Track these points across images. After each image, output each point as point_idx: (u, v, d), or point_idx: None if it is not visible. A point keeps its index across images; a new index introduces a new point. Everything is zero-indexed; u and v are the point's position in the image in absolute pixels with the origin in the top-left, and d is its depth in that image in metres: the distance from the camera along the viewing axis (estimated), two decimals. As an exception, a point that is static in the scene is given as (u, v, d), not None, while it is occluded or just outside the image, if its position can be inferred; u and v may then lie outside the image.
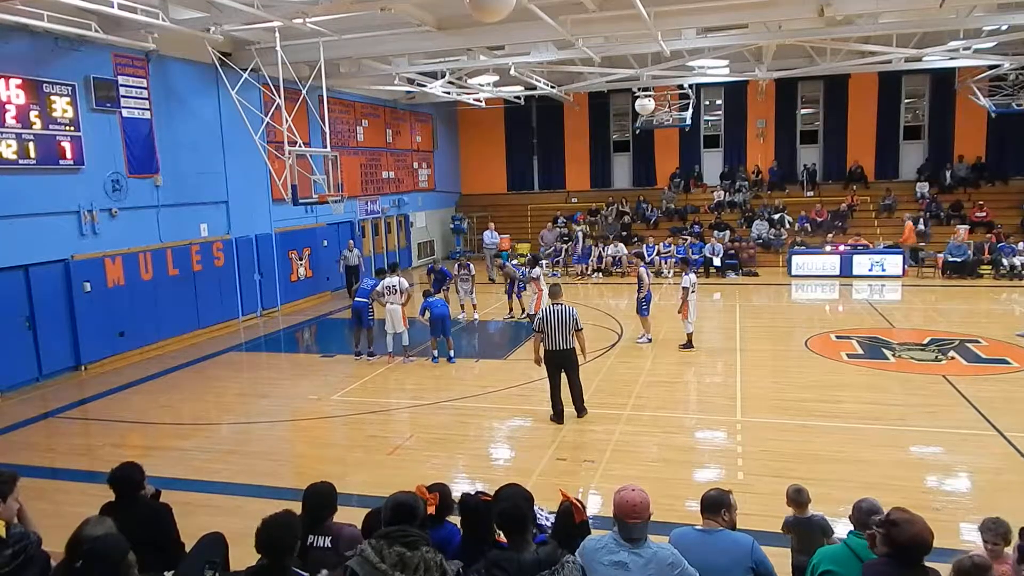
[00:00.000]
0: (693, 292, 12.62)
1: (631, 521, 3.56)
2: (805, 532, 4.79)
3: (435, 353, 12.57)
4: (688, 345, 12.70)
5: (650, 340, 13.28)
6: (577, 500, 4.04)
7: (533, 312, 14.05)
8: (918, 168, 24.87)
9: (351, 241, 19.80)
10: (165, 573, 4.12)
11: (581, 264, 22.67)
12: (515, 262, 22.14)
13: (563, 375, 9.19)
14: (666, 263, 21.68)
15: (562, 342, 9.01)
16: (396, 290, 12.57)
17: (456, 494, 4.19)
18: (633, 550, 3.52)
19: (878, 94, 24.66)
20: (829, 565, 3.78)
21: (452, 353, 12.50)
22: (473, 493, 4.12)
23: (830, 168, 25.91)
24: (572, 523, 3.93)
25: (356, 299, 12.90)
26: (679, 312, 12.71)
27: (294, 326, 16.56)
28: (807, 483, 5.17)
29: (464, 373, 12.03)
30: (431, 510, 3.97)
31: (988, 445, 8.15)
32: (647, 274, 13.36)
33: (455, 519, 4.16)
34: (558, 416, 9.21)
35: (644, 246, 22.46)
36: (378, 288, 12.69)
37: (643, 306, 13.19)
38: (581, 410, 9.30)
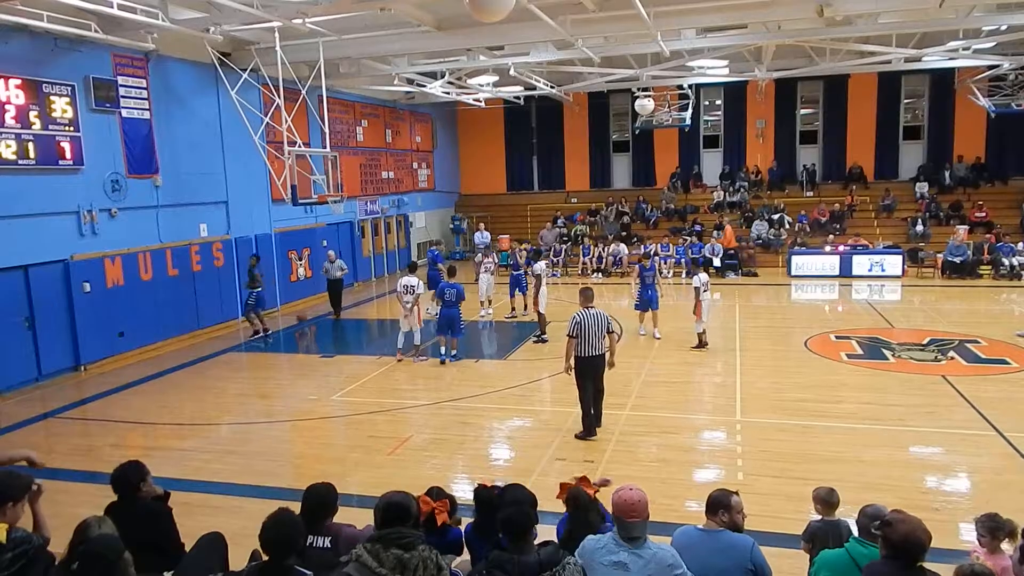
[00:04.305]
0: (706, 291, 12.65)
1: (630, 520, 3.56)
2: (835, 537, 4.44)
3: (443, 352, 12.47)
4: (700, 345, 12.66)
5: (644, 334, 13.72)
6: (576, 479, 4.05)
7: (541, 310, 14.05)
8: (918, 168, 24.88)
9: (331, 252, 17.27)
10: (164, 574, 4.12)
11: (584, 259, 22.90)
12: (512, 262, 22.25)
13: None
14: (665, 263, 21.68)
15: (597, 347, 8.64)
16: (413, 290, 12.57)
17: (458, 494, 4.21)
18: (633, 550, 3.52)
19: (877, 94, 24.68)
20: (828, 572, 3.77)
21: (455, 352, 12.50)
22: (489, 486, 4.15)
23: (829, 168, 25.92)
24: (587, 499, 3.95)
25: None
26: (694, 312, 12.69)
27: (293, 326, 16.54)
28: (807, 483, 5.18)
29: (464, 373, 12.02)
30: (443, 518, 3.98)
31: (988, 445, 8.15)
32: (640, 271, 13.76)
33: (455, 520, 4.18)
34: (589, 431, 8.68)
35: (643, 247, 22.48)
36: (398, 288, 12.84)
37: (648, 300, 13.65)
38: (599, 420, 8.92)
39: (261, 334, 14.98)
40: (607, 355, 8.79)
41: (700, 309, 12.57)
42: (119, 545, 3.28)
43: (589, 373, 8.70)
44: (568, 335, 8.66)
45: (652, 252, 16.34)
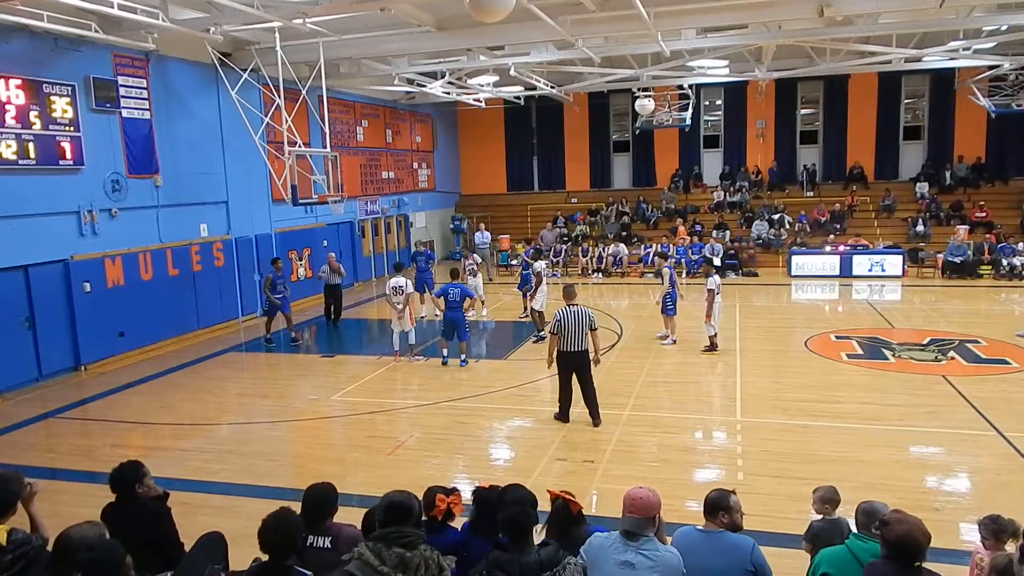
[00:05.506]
0: (718, 294, 12.44)
1: (627, 514, 3.56)
2: (838, 537, 4.28)
3: (445, 354, 12.34)
4: (711, 348, 12.50)
5: (674, 341, 13.17)
6: (566, 493, 4.02)
7: (539, 309, 14.05)
8: (919, 168, 24.86)
9: (332, 255, 16.26)
10: (164, 574, 4.11)
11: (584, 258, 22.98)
12: (514, 262, 22.33)
13: (574, 378, 9.07)
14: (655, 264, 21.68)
15: (578, 344, 8.89)
16: (401, 291, 12.58)
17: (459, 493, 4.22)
18: (641, 550, 3.50)
19: (878, 94, 24.67)
20: (829, 568, 3.78)
21: (464, 357, 12.27)
22: (487, 487, 4.16)
23: (830, 168, 25.92)
24: (570, 516, 3.92)
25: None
26: (705, 314, 12.48)
27: (294, 326, 16.51)
28: (807, 483, 5.17)
29: (464, 373, 12.01)
30: (460, 510, 4.00)
31: (988, 445, 8.15)
32: (672, 273, 13.34)
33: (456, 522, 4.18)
34: (564, 415, 9.17)
35: (642, 246, 22.53)
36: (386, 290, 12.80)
37: (668, 305, 13.15)
38: (596, 418, 9.06)
39: (266, 338, 14.73)
40: (591, 352, 9.02)
41: (711, 311, 12.34)
42: (121, 549, 3.28)
43: (570, 368, 9.04)
44: (550, 332, 9.14)
45: (654, 253, 16.17)
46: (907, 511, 3.51)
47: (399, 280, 12.69)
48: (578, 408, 9.24)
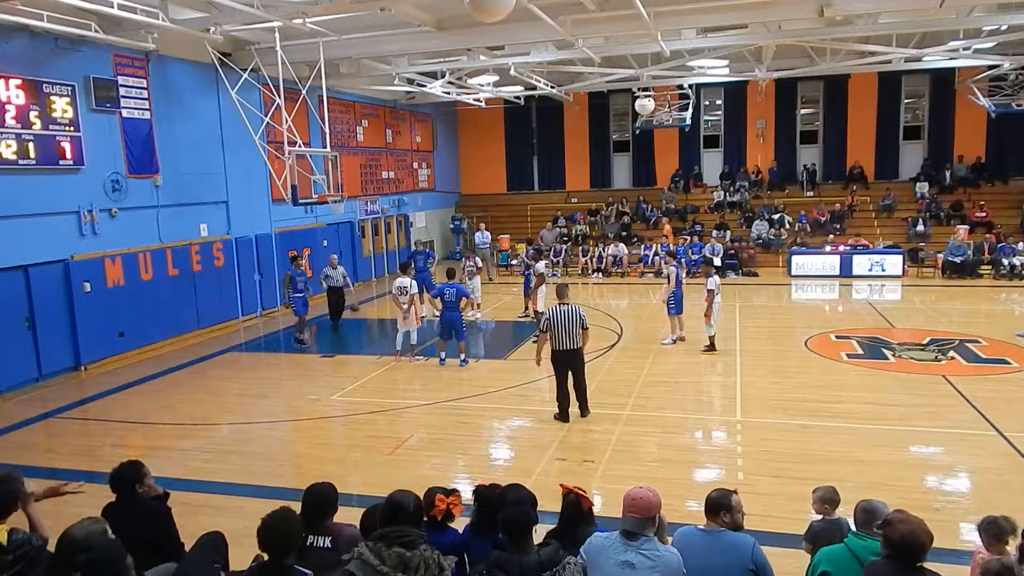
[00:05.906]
0: (718, 294, 12.39)
1: (627, 514, 3.56)
2: (837, 536, 4.18)
3: (442, 355, 12.38)
4: (710, 348, 12.47)
5: (674, 342, 13.14)
6: (579, 488, 4.03)
7: (541, 310, 14.06)
8: (921, 166, 24.86)
9: (334, 256, 16.21)
10: (167, 564, 4.10)
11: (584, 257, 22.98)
12: (514, 262, 22.33)
13: (569, 374, 9.22)
14: (664, 263, 21.67)
15: (569, 342, 9.05)
16: (405, 291, 12.58)
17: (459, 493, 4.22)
18: (641, 550, 3.50)
19: (878, 94, 24.67)
20: (828, 566, 3.78)
21: (463, 357, 12.25)
22: (488, 486, 4.16)
23: (830, 168, 25.92)
24: (581, 512, 3.92)
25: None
26: (704, 315, 12.46)
27: (294, 326, 16.50)
28: (807, 483, 5.17)
29: (464, 373, 12.01)
30: (460, 510, 4.01)
31: (988, 445, 8.15)
32: (678, 272, 13.31)
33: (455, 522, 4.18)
34: (563, 415, 9.24)
35: (642, 246, 22.51)
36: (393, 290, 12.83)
37: (671, 304, 13.12)
38: (584, 409, 9.33)
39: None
40: (583, 349, 9.19)
41: (711, 311, 12.31)
42: (121, 549, 3.28)
43: (563, 367, 9.18)
44: (540, 330, 9.35)
45: (653, 254, 16.16)
46: (908, 511, 3.51)
47: (404, 280, 12.70)
48: (574, 408, 9.28)
